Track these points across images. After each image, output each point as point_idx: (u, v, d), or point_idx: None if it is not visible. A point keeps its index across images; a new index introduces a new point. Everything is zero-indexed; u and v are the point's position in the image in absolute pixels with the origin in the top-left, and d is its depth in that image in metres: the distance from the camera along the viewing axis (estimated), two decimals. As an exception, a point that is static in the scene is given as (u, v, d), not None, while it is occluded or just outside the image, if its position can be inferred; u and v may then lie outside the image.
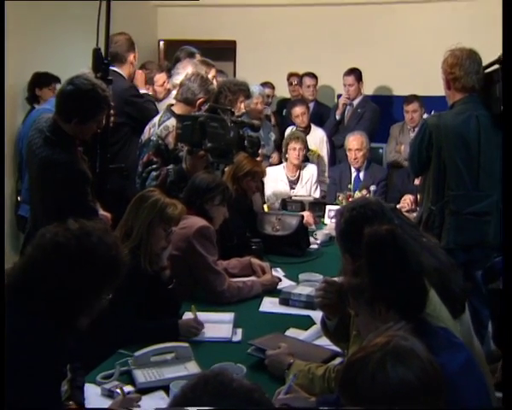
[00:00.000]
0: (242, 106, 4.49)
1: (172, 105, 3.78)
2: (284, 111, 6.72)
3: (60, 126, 2.98)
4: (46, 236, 1.76)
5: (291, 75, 6.83)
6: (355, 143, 5.32)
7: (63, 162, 2.94)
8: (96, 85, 2.99)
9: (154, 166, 3.56)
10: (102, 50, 3.43)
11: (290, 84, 6.84)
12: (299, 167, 5.39)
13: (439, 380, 1.39)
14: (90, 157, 3.28)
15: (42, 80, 5.13)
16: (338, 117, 6.15)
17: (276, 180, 5.34)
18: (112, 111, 3.49)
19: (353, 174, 5.41)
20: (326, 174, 5.83)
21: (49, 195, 2.96)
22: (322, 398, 2.00)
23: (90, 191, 3.04)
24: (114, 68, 4.08)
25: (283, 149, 5.44)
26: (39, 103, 5.03)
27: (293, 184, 5.39)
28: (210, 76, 4.23)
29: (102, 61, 3.42)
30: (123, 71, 4.19)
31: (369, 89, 6.63)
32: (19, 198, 4.92)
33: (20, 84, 5.21)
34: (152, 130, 3.68)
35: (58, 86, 4.38)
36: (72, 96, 2.95)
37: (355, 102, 6.17)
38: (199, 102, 3.65)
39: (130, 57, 4.20)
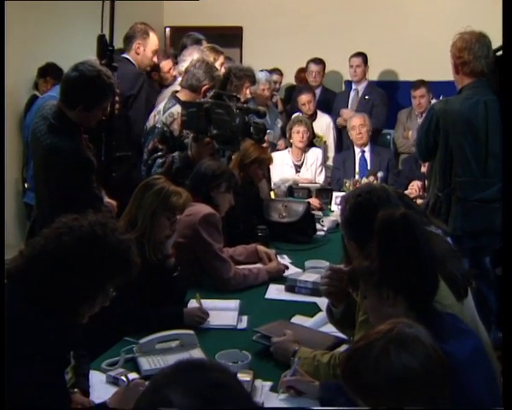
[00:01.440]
0: (248, 91, 4.48)
1: (177, 91, 3.76)
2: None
3: (64, 113, 2.96)
4: (58, 223, 1.77)
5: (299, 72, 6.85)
6: (358, 120, 5.36)
7: (67, 149, 2.92)
8: (101, 72, 2.96)
9: (160, 153, 3.55)
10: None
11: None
12: (304, 151, 5.38)
13: (443, 367, 1.38)
14: (96, 145, 3.27)
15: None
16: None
17: (282, 165, 5.33)
18: (117, 98, 3.48)
19: (358, 156, 5.37)
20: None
21: (54, 182, 2.95)
22: (325, 383, 1.99)
23: (96, 179, 3.03)
24: (125, 55, 4.20)
25: (287, 134, 5.42)
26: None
27: (298, 167, 5.38)
28: (218, 63, 4.21)
29: (107, 48, 3.41)
30: (132, 58, 4.23)
31: (375, 74, 6.58)
32: (26, 185, 4.92)
33: (25, 75, 5.21)
34: (157, 117, 3.66)
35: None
36: (77, 82, 2.92)
37: (360, 88, 6.15)
38: (204, 88, 3.63)
39: (134, 45, 4.22)
